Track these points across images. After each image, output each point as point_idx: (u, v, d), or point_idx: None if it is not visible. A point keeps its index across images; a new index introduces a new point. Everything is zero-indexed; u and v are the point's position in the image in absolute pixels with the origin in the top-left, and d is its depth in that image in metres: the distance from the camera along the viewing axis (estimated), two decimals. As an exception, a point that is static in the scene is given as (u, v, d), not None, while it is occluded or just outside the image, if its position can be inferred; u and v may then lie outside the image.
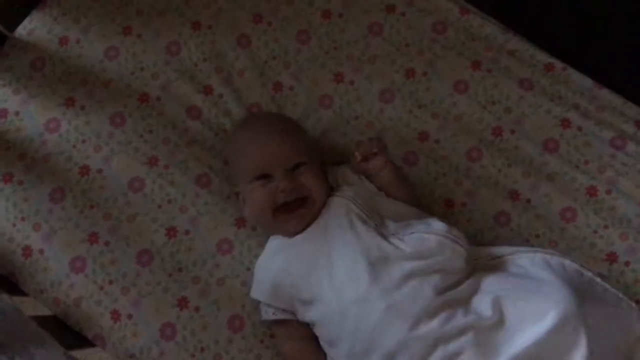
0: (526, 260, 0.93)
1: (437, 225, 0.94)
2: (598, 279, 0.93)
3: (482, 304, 0.86)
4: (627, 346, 0.89)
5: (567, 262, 0.93)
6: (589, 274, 0.93)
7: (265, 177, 0.98)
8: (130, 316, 1.04)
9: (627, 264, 1.03)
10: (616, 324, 0.88)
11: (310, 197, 0.98)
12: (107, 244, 1.07)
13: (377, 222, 0.96)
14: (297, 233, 0.98)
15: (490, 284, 0.89)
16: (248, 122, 1.08)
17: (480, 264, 0.94)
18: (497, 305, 0.85)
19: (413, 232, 0.93)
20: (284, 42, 1.16)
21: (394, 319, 0.86)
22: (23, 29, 1.18)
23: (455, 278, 0.90)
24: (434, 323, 0.85)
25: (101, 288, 1.05)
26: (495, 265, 0.94)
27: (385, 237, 0.93)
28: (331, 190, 1.03)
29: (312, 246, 0.96)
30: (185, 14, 1.17)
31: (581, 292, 0.86)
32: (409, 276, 0.88)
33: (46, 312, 1.06)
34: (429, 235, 0.91)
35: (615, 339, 0.87)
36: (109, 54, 1.16)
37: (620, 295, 0.93)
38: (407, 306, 0.86)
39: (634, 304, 0.93)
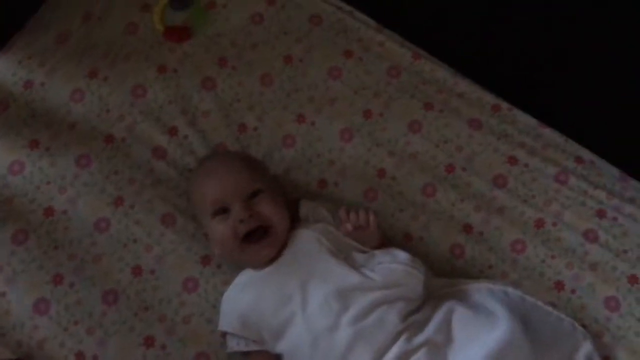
0: (474, 291, 1.01)
1: (401, 255, 1.00)
2: (540, 303, 1.01)
3: (436, 325, 0.95)
4: None
5: (509, 289, 1.01)
6: (531, 299, 1.01)
7: (223, 210, 1.01)
8: (95, 357, 1.04)
9: (573, 291, 1.09)
10: (561, 343, 0.97)
11: (271, 226, 1.01)
12: (72, 285, 1.07)
13: (346, 254, 1.01)
14: (267, 264, 1.02)
15: (444, 308, 0.97)
16: (205, 160, 1.12)
17: (436, 292, 1.01)
18: (448, 325, 0.94)
19: (381, 263, 0.99)
20: (248, 85, 1.21)
21: (361, 344, 0.92)
22: (-15, 72, 1.20)
23: (416, 304, 0.97)
24: (397, 345, 0.92)
25: (66, 329, 1.05)
26: (449, 293, 1.02)
27: (355, 268, 0.98)
28: (300, 223, 1.07)
29: (282, 278, 0.99)
30: (151, 58, 1.21)
31: (524, 316, 0.96)
32: (377, 304, 0.95)
33: (9, 355, 1.05)
34: (396, 265, 0.98)
35: (561, 356, 0.95)
36: (75, 96, 1.18)
37: (562, 316, 1.01)
38: (373, 332, 0.93)
39: (577, 324, 1.01)
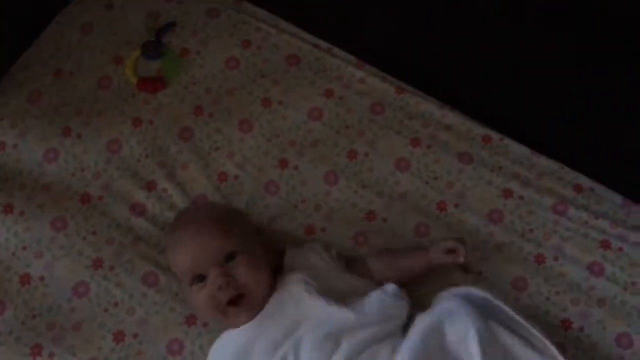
0: (439, 299, 0.98)
1: (391, 288, 0.97)
2: (506, 308, 0.96)
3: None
4: None
5: (474, 290, 0.97)
6: (497, 302, 0.96)
7: (200, 278, 0.96)
8: None
9: (581, 329, 1.03)
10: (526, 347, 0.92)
11: (247, 293, 0.96)
12: (51, 355, 1.03)
13: (337, 294, 0.97)
14: (248, 323, 0.96)
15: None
16: (174, 225, 1.06)
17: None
18: None
19: (371, 298, 0.95)
20: (227, 132, 1.17)
21: None
22: (-44, 138, 1.16)
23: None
24: None
25: (46, 404, 1.00)
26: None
27: (346, 306, 0.94)
28: (286, 271, 1.02)
29: (270, 328, 0.95)
30: (125, 112, 1.18)
31: (488, 313, 0.95)
32: (369, 343, 0.91)
33: None
34: (388, 300, 0.95)
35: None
36: (48, 156, 1.14)
37: (527, 324, 0.94)
38: None
39: (540, 333, 0.94)
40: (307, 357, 0.90)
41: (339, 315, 0.93)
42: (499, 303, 0.96)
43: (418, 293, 1.02)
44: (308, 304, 0.95)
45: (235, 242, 0.97)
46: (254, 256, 0.98)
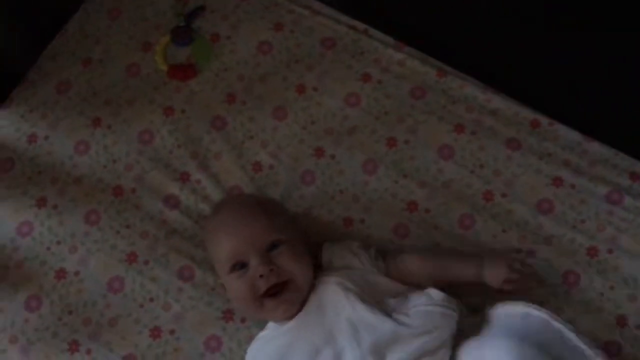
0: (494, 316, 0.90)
1: (436, 295, 0.91)
2: (566, 329, 0.87)
3: None
4: None
5: (533, 311, 0.88)
6: (557, 325, 0.87)
7: (241, 265, 0.93)
8: None
9: (638, 327, 0.97)
10: None
11: (292, 281, 0.93)
12: (88, 351, 1.01)
13: (377, 299, 0.92)
14: (288, 319, 0.93)
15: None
16: (216, 210, 1.03)
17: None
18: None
19: (416, 306, 0.89)
20: (260, 121, 1.12)
21: None
22: (-12, 129, 1.15)
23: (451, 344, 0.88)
24: None
25: (84, 401, 0.99)
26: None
27: (387, 313, 0.89)
28: (323, 269, 0.98)
29: (308, 333, 0.91)
30: (156, 100, 1.14)
31: (543, 344, 0.84)
32: (418, 356, 0.85)
33: None
34: (433, 307, 0.89)
35: None
36: (79, 148, 1.12)
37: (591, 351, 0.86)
38: None
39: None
40: None
41: (382, 325, 0.88)
42: (559, 326, 0.88)
43: (467, 299, 0.97)
44: (349, 311, 0.90)
45: (279, 231, 0.94)
46: (296, 247, 0.95)
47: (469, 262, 0.96)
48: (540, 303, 0.99)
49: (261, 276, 0.91)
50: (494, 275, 0.94)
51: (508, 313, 0.90)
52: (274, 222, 0.95)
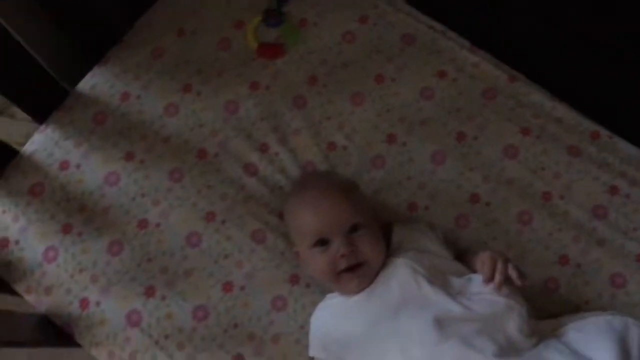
0: (591, 326, 0.94)
1: (503, 290, 0.94)
2: None
3: None
4: None
5: (630, 320, 0.93)
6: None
7: (323, 242, 0.99)
8: (185, 372, 1.05)
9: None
10: None
11: (367, 262, 0.99)
12: (163, 298, 1.09)
13: (442, 281, 0.98)
14: (357, 293, 1.00)
15: (550, 356, 0.89)
16: (302, 186, 1.09)
17: (544, 337, 0.94)
18: None
19: (481, 293, 0.94)
20: (338, 104, 1.20)
21: None
22: (85, 84, 1.22)
23: (518, 346, 0.91)
24: None
25: (157, 343, 1.06)
26: (559, 336, 0.94)
27: (453, 296, 0.95)
28: (393, 249, 1.04)
29: (373, 307, 0.97)
30: (243, 74, 1.22)
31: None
32: (476, 336, 0.90)
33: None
34: (498, 297, 0.93)
35: None
36: (169, 110, 1.19)
37: None
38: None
39: None
40: (410, 343, 0.91)
41: (447, 305, 0.93)
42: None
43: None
44: (415, 291, 0.96)
45: (361, 214, 1.01)
46: (375, 230, 1.02)
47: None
48: (585, 302, 1.07)
49: (342, 256, 0.98)
50: (478, 258, 0.97)
51: (604, 323, 0.93)
52: (355, 205, 1.02)
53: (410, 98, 1.20)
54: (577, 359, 0.88)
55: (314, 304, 1.07)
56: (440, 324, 0.91)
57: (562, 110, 1.18)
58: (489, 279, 0.92)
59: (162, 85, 1.21)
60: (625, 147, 1.16)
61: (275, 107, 1.20)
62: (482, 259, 0.95)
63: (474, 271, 0.99)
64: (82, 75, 1.23)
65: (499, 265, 0.92)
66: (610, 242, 1.10)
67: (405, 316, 0.94)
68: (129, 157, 1.17)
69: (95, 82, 1.22)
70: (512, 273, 0.91)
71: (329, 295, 1.06)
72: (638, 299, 1.06)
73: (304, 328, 1.06)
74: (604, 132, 1.17)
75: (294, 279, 1.09)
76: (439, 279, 0.98)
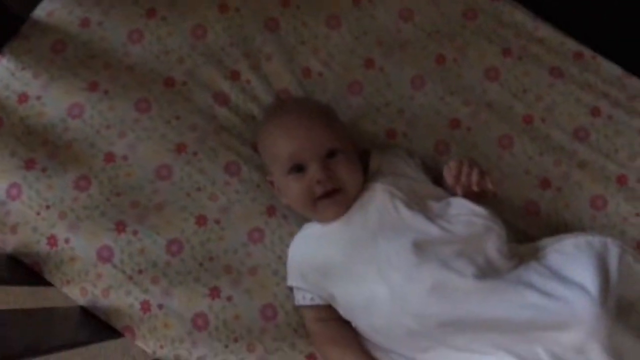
0: (571, 247, 0.93)
1: (479, 209, 0.94)
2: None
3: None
4: None
5: (609, 240, 0.92)
6: (630, 258, 0.92)
7: (299, 168, 0.96)
8: (160, 306, 1.02)
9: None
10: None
11: (345, 188, 0.97)
12: (135, 232, 1.05)
13: (420, 205, 0.96)
14: (334, 220, 0.97)
15: (530, 278, 0.88)
16: (276, 110, 1.05)
17: (525, 260, 0.93)
18: None
19: (459, 215, 0.93)
20: (313, 27, 1.14)
21: (436, 297, 0.87)
22: (41, 10, 1.14)
23: (497, 268, 0.90)
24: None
25: (130, 278, 1.03)
26: (539, 258, 0.93)
27: (431, 220, 0.93)
28: (370, 174, 1.02)
29: (353, 233, 0.95)
30: (211, -4, 1.14)
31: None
32: (455, 258, 0.89)
33: (72, 302, 1.04)
34: (475, 218, 0.92)
35: None
36: (132, 37, 1.12)
37: None
38: (450, 285, 0.87)
39: None
40: (389, 266, 0.90)
41: (426, 227, 0.92)
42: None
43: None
44: (393, 215, 0.94)
45: (337, 139, 0.97)
46: (352, 156, 0.98)
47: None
48: (565, 225, 1.07)
49: (318, 182, 0.95)
50: (445, 166, 0.96)
51: (584, 243, 0.92)
52: (332, 129, 0.98)
53: (388, 20, 1.14)
54: (557, 280, 0.88)
55: (292, 235, 1.04)
56: (419, 247, 0.90)
57: (544, 30, 1.14)
58: (455, 182, 0.91)
59: (124, 11, 1.13)
60: (609, 67, 1.12)
61: (246, 31, 1.13)
62: (449, 165, 0.93)
63: (454, 195, 0.97)
64: (37, 1, 1.14)
65: (464, 169, 0.92)
66: (591, 164, 1.08)
67: (384, 240, 0.92)
68: (92, 87, 1.10)
69: (52, 8, 1.14)
70: (475, 176, 0.90)
71: (306, 225, 1.03)
72: (617, 221, 1.06)
73: (281, 259, 1.04)
74: (588, 53, 1.13)
75: (271, 211, 1.06)
76: (417, 203, 0.96)
